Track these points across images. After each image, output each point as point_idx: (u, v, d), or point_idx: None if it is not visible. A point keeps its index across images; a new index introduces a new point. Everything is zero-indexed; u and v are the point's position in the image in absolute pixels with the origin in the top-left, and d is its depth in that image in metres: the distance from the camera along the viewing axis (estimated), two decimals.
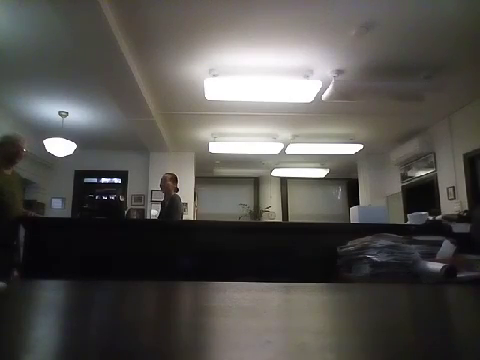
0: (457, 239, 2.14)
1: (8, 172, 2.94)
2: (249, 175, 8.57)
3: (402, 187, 6.33)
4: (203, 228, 2.41)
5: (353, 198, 7.68)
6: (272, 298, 0.74)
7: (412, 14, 2.97)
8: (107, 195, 7.17)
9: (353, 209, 2.76)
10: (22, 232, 2.48)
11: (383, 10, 2.93)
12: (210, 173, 8.13)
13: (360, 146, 6.05)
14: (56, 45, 3.42)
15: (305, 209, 8.42)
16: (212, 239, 2.22)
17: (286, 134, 5.85)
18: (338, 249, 2.09)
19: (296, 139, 5.97)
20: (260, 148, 6.23)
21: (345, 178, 8.57)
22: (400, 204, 6.21)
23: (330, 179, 8.46)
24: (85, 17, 2.76)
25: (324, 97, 4.03)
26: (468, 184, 4.71)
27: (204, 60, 3.70)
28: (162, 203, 4.41)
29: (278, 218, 8.42)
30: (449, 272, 1.70)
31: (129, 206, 6.62)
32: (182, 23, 3.11)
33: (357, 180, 7.48)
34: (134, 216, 5.93)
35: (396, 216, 5.80)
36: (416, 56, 3.62)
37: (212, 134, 5.92)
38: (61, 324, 0.49)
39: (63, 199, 6.86)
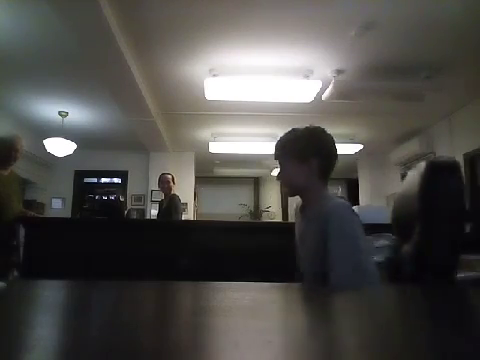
0: None
1: (5, 173, 2.95)
2: (249, 175, 8.58)
3: None
4: (203, 228, 2.41)
5: (353, 198, 7.68)
6: (272, 298, 0.74)
7: (412, 14, 2.97)
8: (107, 195, 7.18)
9: (353, 209, 2.75)
10: (22, 232, 2.48)
11: (383, 10, 2.93)
12: (210, 173, 8.14)
13: (360, 146, 6.05)
14: (56, 45, 3.42)
15: None
16: (212, 239, 2.22)
17: None
18: None
19: None
20: (260, 148, 6.23)
21: (345, 178, 8.57)
22: None
23: (330, 179, 8.45)
24: (85, 17, 2.76)
25: (324, 97, 4.03)
26: (468, 184, 4.71)
27: (204, 60, 3.70)
28: (160, 203, 4.41)
29: (278, 218, 8.42)
30: None
31: (129, 206, 6.62)
32: (182, 23, 3.11)
33: (357, 180, 7.48)
34: (134, 216, 5.92)
35: None
36: (416, 56, 3.63)
37: (212, 134, 5.92)
38: (61, 324, 0.49)
39: (63, 199, 6.86)
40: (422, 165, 1.15)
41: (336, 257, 1.16)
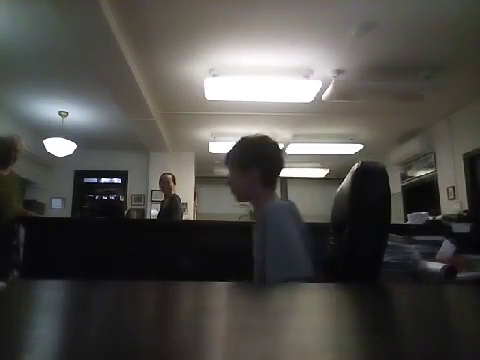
0: (457, 239, 2.14)
1: (4, 173, 2.95)
2: None
3: (402, 187, 6.33)
4: (203, 228, 2.41)
5: None
6: (272, 298, 0.74)
7: (412, 14, 2.97)
8: (107, 195, 7.18)
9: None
10: (22, 232, 2.48)
11: (383, 10, 2.93)
12: (210, 173, 8.13)
13: (360, 146, 6.05)
14: (56, 45, 3.42)
15: (305, 209, 8.37)
16: (212, 239, 2.22)
17: (286, 134, 5.85)
18: None
19: (296, 139, 5.97)
20: None
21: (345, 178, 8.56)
22: (400, 204, 6.22)
23: (330, 179, 8.45)
24: (85, 17, 2.77)
25: (324, 97, 4.03)
26: (468, 184, 4.71)
27: (204, 60, 3.70)
28: (161, 203, 4.41)
29: None
30: (449, 272, 1.70)
31: (129, 206, 6.62)
32: (182, 23, 3.11)
33: None
34: (134, 216, 5.93)
35: (396, 216, 5.79)
36: (416, 56, 3.63)
37: (212, 134, 5.93)
38: (61, 324, 0.49)
39: (63, 199, 6.86)
40: (354, 168, 1.20)
41: (269, 255, 1.23)
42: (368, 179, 1.17)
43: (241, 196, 1.50)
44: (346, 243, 1.17)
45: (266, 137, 1.46)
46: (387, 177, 1.18)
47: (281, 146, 6.09)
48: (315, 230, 1.35)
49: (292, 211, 1.31)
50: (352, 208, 1.17)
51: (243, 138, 1.48)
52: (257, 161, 1.41)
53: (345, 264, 1.17)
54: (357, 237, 1.15)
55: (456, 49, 3.49)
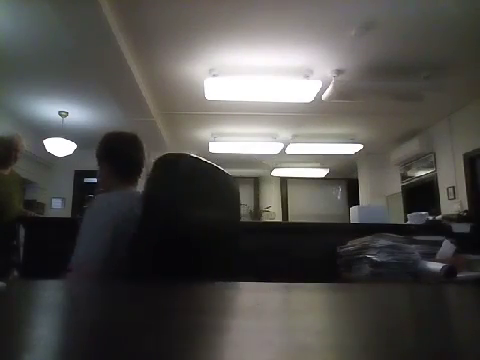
0: (457, 239, 2.14)
1: (5, 172, 2.95)
2: (249, 175, 8.57)
3: (402, 187, 6.34)
4: None
5: (353, 198, 7.68)
6: (272, 298, 0.74)
7: (412, 14, 2.98)
8: None
9: (353, 209, 2.75)
10: (22, 232, 2.48)
11: (383, 10, 2.93)
12: None
13: (360, 146, 6.05)
14: (56, 45, 3.42)
15: (305, 209, 8.42)
16: None
17: (286, 134, 5.85)
18: (338, 249, 2.09)
19: (296, 139, 5.97)
20: (260, 148, 6.23)
21: (345, 178, 8.57)
22: (400, 204, 6.22)
23: (330, 179, 8.46)
24: (85, 17, 2.77)
25: (324, 97, 4.03)
26: (468, 184, 4.71)
27: (204, 60, 3.71)
28: None
29: (278, 218, 8.41)
30: (449, 272, 1.70)
31: None
32: (182, 23, 3.11)
33: (357, 180, 7.49)
34: None
35: (396, 216, 5.80)
36: (416, 56, 3.63)
37: (212, 134, 5.93)
38: (61, 324, 0.49)
39: (63, 199, 6.85)
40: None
41: (77, 241, 1.34)
42: (155, 169, 1.10)
43: (101, 188, 1.58)
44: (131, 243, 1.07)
45: (116, 133, 1.55)
46: (179, 171, 1.09)
47: (281, 146, 6.09)
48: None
49: (113, 203, 1.35)
50: (142, 206, 1.07)
51: (105, 134, 1.56)
52: (106, 156, 1.51)
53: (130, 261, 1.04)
54: (139, 230, 1.04)
55: (456, 49, 3.49)
